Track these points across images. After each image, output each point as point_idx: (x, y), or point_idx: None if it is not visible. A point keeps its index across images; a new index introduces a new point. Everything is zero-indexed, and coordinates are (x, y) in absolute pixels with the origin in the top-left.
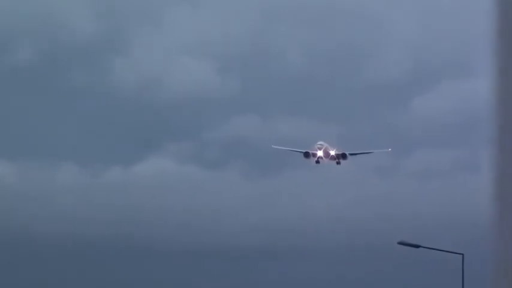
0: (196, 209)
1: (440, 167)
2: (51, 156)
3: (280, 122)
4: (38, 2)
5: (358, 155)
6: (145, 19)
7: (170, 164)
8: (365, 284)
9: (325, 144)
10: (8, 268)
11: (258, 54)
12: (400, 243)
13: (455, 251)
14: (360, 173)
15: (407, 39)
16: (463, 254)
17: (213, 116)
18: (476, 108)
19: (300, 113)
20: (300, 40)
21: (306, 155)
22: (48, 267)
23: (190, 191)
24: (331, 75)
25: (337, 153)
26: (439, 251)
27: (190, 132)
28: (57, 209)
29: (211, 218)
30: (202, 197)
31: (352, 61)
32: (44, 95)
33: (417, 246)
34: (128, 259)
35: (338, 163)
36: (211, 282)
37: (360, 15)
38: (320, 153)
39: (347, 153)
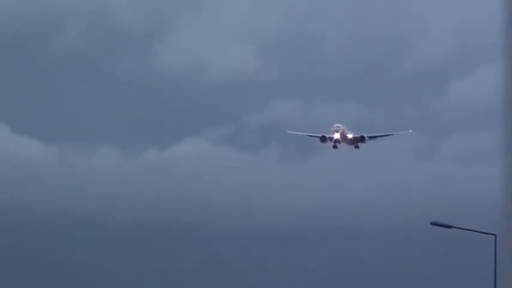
0: (229, 192)
1: (477, 150)
2: (92, 138)
3: (320, 106)
4: None
5: (377, 138)
6: (188, 4)
7: (207, 146)
8: (398, 264)
9: (342, 127)
10: (45, 249)
11: (300, 39)
12: (433, 223)
13: (487, 232)
14: (393, 156)
15: (447, 23)
16: (495, 235)
17: (253, 100)
18: None
19: (340, 97)
20: (341, 25)
21: (323, 139)
22: (82, 248)
23: (224, 173)
24: (372, 59)
25: (355, 136)
26: (471, 232)
27: (230, 115)
28: (94, 191)
29: (243, 200)
30: (236, 180)
31: (392, 46)
32: (86, 80)
33: (450, 227)
34: (162, 240)
35: (356, 147)
36: (241, 264)
37: (403, 1)
38: (337, 135)
39: (366, 136)
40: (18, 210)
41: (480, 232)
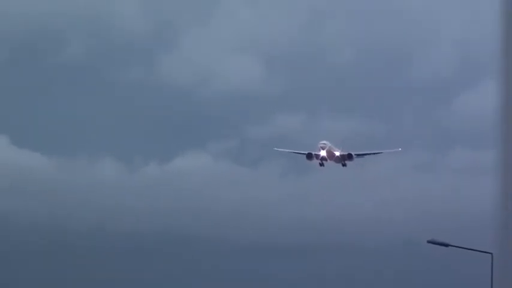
0: (229, 205)
1: (478, 164)
2: (93, 151)
3: (324, 119)
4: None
5: (365, 156)
6: (195, 16)
7: (210, 159)
8: (395, 281)
9: (329, 144)
10: (45, 261)
11: (305, 52)
12: (430, 241)
13: (484, 250)
14: (395, 171)
15: (453, 36)
16: (492, 253)
17: (257, 113)
18: None
19: (344, 110)
20: (346, 39)
21: (309, 156)
22: (83, 260)
23: (226, 187)
24: (378, 72)
25: (342, 153)
26: (468, 250)
27: (233, 128)
28: (94, 204)
29: (243, 213)
30: (236, 193)
31: (399, 59)
32: (89, 92)
33: (446, 245)
34: (163, 253)
35: (344, 165)
36: (241, 276)
37: (407, 13)
38: (323, 153)
39: (353, 153)
40: (18, 223)
41: (476, 250)
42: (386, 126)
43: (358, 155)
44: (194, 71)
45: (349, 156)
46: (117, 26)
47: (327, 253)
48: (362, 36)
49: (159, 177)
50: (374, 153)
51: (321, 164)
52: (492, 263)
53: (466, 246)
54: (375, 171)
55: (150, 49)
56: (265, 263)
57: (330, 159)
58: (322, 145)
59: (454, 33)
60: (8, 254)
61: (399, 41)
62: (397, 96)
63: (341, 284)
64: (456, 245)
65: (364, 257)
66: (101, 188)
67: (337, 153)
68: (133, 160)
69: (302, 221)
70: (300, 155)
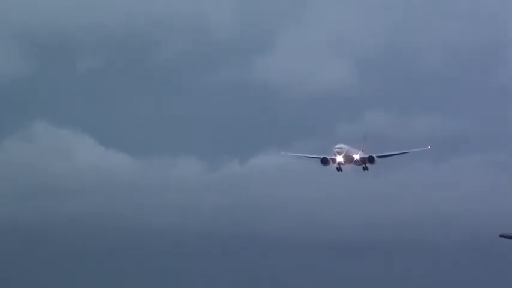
0: (305, 203)
1: None
2: (178, 150)
3: (414, 118)
4: (185, 2)
5: (389, 157)
6: (289, 18)
7: (290, 158)
8: (468, 276)
9: (346, 147)
10: (129, 257)
11: (397, 52)
12: (502, 235)
13: None
14: (473, 168)
15: None
16: None
17: (347, 112)
18: None
19: (434, 109)
20: (437, 39)
21: (324, 161)
22: (164, 257)
23: (307, 186)
24: (467, 73)
25: (362, 156)
26: None
27: (320, 128)
28: (174, 203)
29: (319, 211)
30: (315, 192)
31: (488, 60)
32: (177, 94)
33: None
34: (242, 249)
35: (365, 168)
36: (323, 274)
37: (501, 14)
38: (339, 158)
39: (374, 156)
40: (104, 221)
41: None
42: (472, 125)
43: (380, 157)
44: (287, 72)
45: (370, 159)
46: (212, 29)
47: (400, 250)
48: (454, 37)
49: (241, 175)
50: (399, 154)
51: (338, 169)
52: None
53: None
54: (452, 169)
55: (244, 52)
56: (343, 261)
57: (349, 163)
58: (338, 150)
59: None
60: (99, 254)
61: (491, 42)
62: (488, 96)
63: (413, 279)
64: None
65: (436, 252)
66: (182, 187)
67: (356, 157)
68: (216, 159)
69: (375, 218)
70: (314, 159)
